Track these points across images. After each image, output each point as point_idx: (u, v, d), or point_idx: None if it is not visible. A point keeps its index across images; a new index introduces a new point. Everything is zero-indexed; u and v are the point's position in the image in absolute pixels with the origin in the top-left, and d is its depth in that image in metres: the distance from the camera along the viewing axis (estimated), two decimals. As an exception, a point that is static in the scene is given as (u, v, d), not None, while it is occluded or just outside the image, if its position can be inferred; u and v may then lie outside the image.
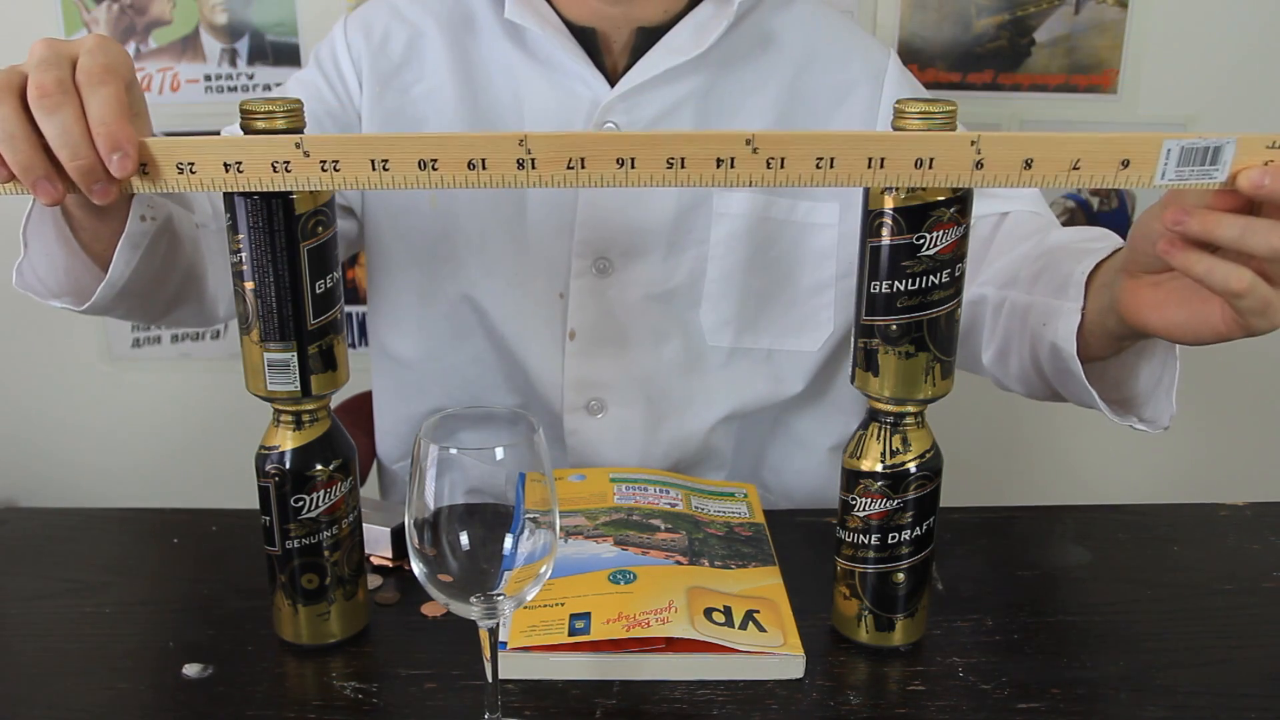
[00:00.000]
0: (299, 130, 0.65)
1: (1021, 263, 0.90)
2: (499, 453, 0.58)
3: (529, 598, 0.61)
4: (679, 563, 0.79)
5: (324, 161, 0.62)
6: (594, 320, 1.00)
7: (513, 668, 0.71)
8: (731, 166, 0.62)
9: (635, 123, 0.97)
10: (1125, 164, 0.63)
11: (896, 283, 0.66)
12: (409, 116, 1.00)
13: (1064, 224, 1.68)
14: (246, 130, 0.65)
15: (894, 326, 0.67)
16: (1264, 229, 0.63)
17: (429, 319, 1.04)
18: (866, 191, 0.67)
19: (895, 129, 0.66)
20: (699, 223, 0.99)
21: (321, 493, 0.71)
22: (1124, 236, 1.66)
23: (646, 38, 0.98)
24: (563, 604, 0.74)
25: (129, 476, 1.79)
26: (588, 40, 0.98)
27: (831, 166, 0.62)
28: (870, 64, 1.02)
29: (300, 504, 0.70)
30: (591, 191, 0.97)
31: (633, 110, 0.97)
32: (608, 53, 0.99)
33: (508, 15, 0.96)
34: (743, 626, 0.72)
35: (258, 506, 0.71)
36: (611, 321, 1.00)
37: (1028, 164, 0.62)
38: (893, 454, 0.71)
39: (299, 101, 0.65)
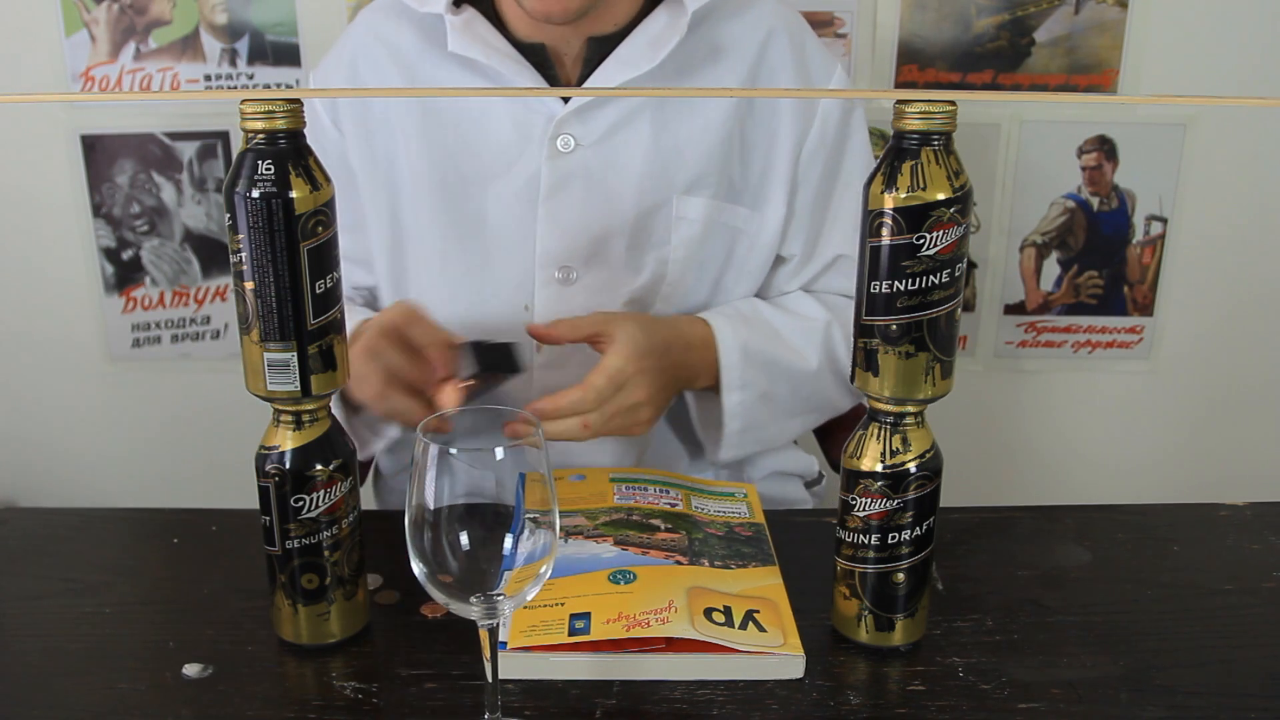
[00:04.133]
0: (299, 130, 0.65)
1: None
2: (499, 453, 0.58)
3: (529, 598, 0.61)
4: (679, 563, 0.79)
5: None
6: None
7: (513, 668, 0.71)
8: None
9: (591, 134, 0.97)
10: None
11: (896, 283, 0.66)
12: (382, 148, 1.02)
13: (1063, 224, 1.68)
14: (246, 130, 0.65)
15: (894, 326, 0.67)
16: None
17: None
18: (867, 193, 0.67)
19: (895, 129, 0.66)
20: (659, 225, 1.00)
21: (321, 493, 0.71)
22: (1126, 236, 1.66)
23: (598, 47, 0.98)
24: (563, 604, 0.74)
25: (129, 476, 1.79)
26: (538, 55, 0.98)
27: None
28: (815, 78, 1.03)
29: (300, 504, 0.70)
30: (551, 201, 0.98)
31: (588, 123, 0.97)
32: (559, 65, 0.99)
33: (451, 49, 0.96)
34: (743, 626, 0.72)
35: (258, 506, 0.71)
36: None
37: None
38: (893, 454, 0.71)
39: (299, 101, 0.65)
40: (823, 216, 1.05)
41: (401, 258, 1.04)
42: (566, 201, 0.98)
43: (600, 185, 0.98)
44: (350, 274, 1.07)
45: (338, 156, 1.04)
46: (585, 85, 0.98)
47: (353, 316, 1.02)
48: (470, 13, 0.98)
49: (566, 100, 0.97)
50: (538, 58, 0.98)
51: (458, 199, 1.00)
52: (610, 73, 0.96)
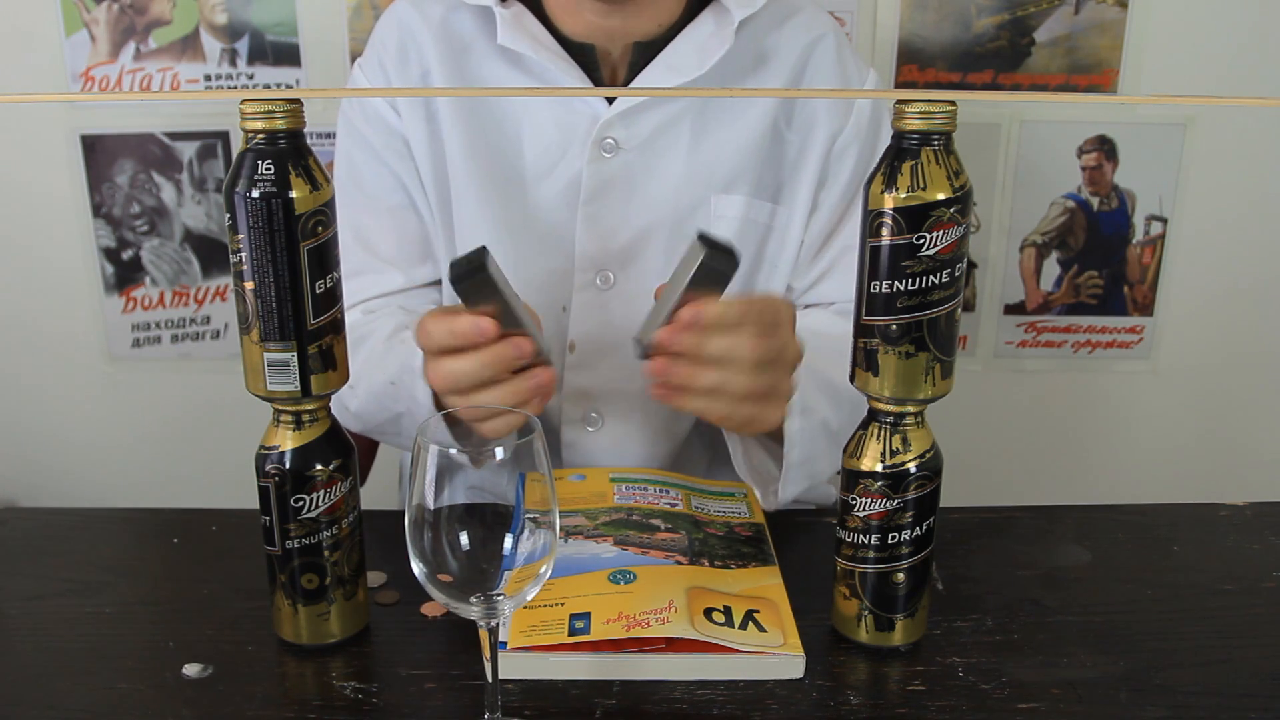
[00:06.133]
0: (299, 130, 0.65)
1: None
2: (499, 453, 0.58)
3: (529, 598, 0.61)
4: (679, 562, 0.79)
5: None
6: (593, 332, 1.00)
7: (513, 668, 0.71)
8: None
9: (634, 138, 0.97)
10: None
11: (896, 283, 0.66)
12: (436, 135, 1.00)
13: (1063, 224, 1.68)
14: (246, 130, 0.65)
15: (894, 326, 0.67)
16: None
17: None
18: (867, 193, 0.67)
19: (895, 129, 0.66)
20: (698, 225, 0.99)
21: (321, 493, 0.71)
22: (1126, 236, 1.65)
23: (643, 52, 0.98)
24: (563, 604, 0.74)
25: (129, 476, 1.79)
26: (585, 56, 0.98)
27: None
28: (852, 83, 1.03)
29: (300, 504, 0.70)
30: (591, 205, 0.98)
31: (631, 126, 0.97)
32: (606, 66, 0.99)
33: (500, 41, 0.95)
34: (743, 626, 0.72)
35: (258, 506, 0.71)
36: (611, 333, 1.00)
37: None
38: (893, 454, 0.71)
39: (299, 101, 0.65)
40: (843, 212, 1.04)
41: (452, 241, 1.03)
42: (607, 205, 0.98)
43: (641, 189, 0.98)
44: (383, 277, 1.03)
45: (401, 138, 1.02)
46: (629, 89, 0.97)
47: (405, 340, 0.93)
48: (518, 7, 0.97)
49: (611, 102, 0.96)
50: (585, 58, 0.98)
51: (502, 196, 0.99)
52: (656, 77, 0.96)
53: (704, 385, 0.79)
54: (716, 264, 0.76)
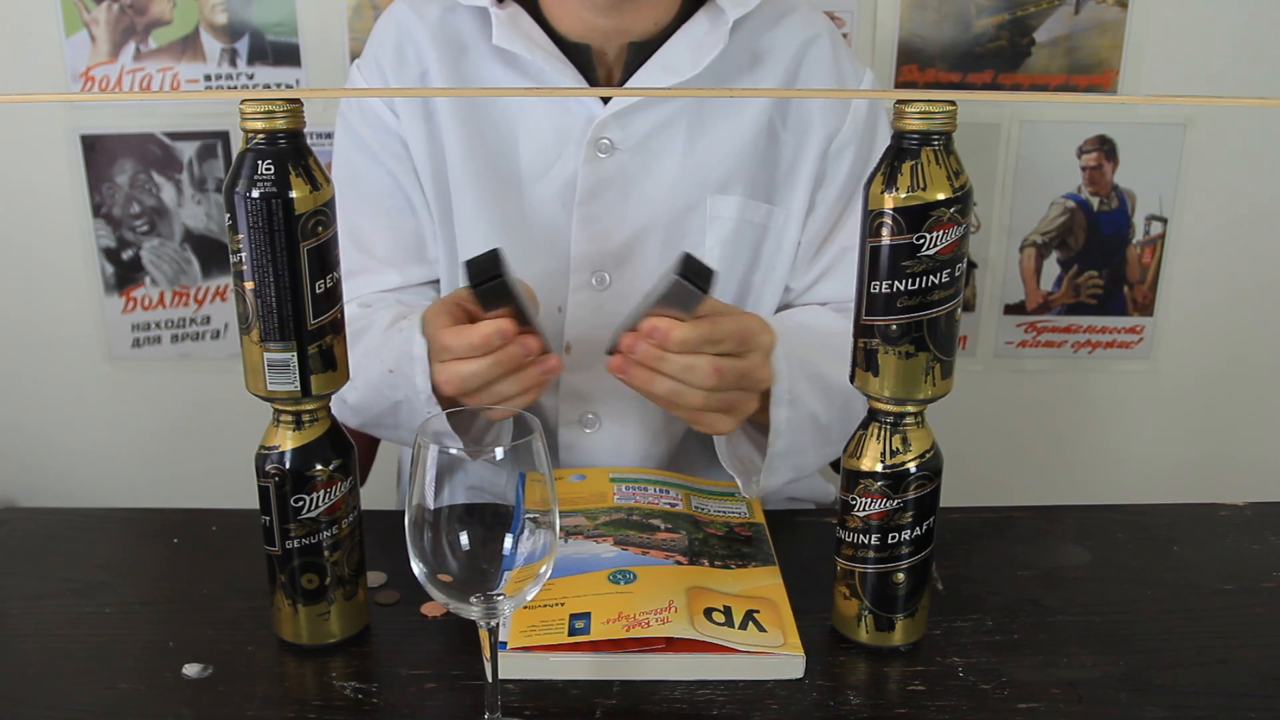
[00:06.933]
0: (299, 130, 0.65)
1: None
2: (499, 453, 0.58)
3: (529, 598, 0.61)
4: (679, 562, 0.79)
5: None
6: (590, 333, 1.00)
7: (513, 668, 0.71)
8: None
9: (629, 138, 0.97)
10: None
11: (896, 283, 0.66)
12: (434, 135, 1.00)
13: (1063, 225, 1.68)
14: (246, 130, 0.65)
15: (894, 326, 0.67)
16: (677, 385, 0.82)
17: None
18: (867, 193, 0.67)
19: (895, 129, 0.66)
20: (693, 227, 0.99)
21: (321, 493, 0.71)
22: (1126, 236, 1.66)
23: (638, 53, 0.98)
24: (563, 604, 0.74)
25: (129, 476, 1.78)
26: (581, 56, 0.97)
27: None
28: (848, 82, 1.03)
29: (300, 504, 0.70)
30: (587, 206, 0.98)
31: (627, 126, 0.97)
32: (601, 66, 0.99)
33: (495, 41, 0.95)
34: (743, 626, 0.72)
35: (258, 506, 0.71)
36: (607, 334, 1.00)
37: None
38: (893, 454, 0.71)
39: (299, 101, 0.65)
40: (840, 213, 1.04)
41: (452, 241, 1.03)
42: (602, 206, 0.98)
43: (636, 189, 0.98)
44: (379, 276, 1.04)
45: (398, 139, 1.02)
46: (625, 89, 0.98)
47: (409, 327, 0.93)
48: (514, 8, 0.98)
49: (606, 102, 0.96)
50: (581, 58, 0.97)
51: (499, 196, 0.99)
52: (651, 77, 0.96)
53: (658, 393, 0.82)
54: (686, 287, 0.78)
